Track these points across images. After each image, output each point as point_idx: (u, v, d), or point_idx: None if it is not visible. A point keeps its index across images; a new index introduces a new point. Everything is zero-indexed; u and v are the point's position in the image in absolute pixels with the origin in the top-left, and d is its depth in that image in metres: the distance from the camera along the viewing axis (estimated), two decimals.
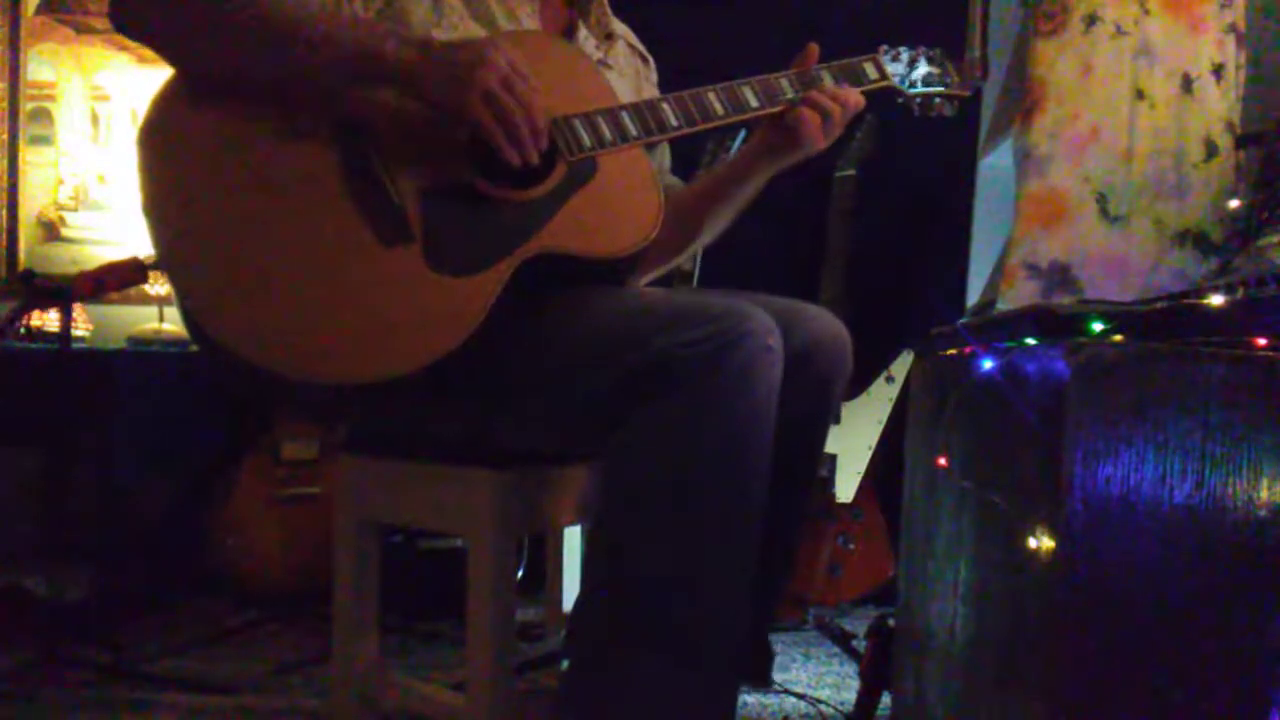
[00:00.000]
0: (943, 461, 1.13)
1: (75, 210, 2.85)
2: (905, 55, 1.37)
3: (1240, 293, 0.95)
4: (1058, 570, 0.82)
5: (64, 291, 1.84)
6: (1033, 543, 0.85)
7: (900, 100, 1.39)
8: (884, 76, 1.35)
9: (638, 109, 1.21)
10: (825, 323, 1.24)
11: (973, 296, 2.38)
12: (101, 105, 2.86)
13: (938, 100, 1.39)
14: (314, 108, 1.08)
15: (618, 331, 1.04)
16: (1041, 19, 1.66)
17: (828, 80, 1.29)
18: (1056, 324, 0.96)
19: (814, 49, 1.30)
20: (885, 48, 1.37)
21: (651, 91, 1.45)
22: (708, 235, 1.43)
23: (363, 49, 1.06)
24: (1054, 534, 0.82)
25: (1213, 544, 0.80)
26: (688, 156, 1.45)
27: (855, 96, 1.28)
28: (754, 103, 1.26)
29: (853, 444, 2.30)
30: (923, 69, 1.37)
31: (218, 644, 2.05)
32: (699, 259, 2.24)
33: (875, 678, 1.43)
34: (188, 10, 1.07)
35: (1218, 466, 0.80)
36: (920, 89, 1.37)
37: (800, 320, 1.21)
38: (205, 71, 1.08)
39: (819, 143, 1.27)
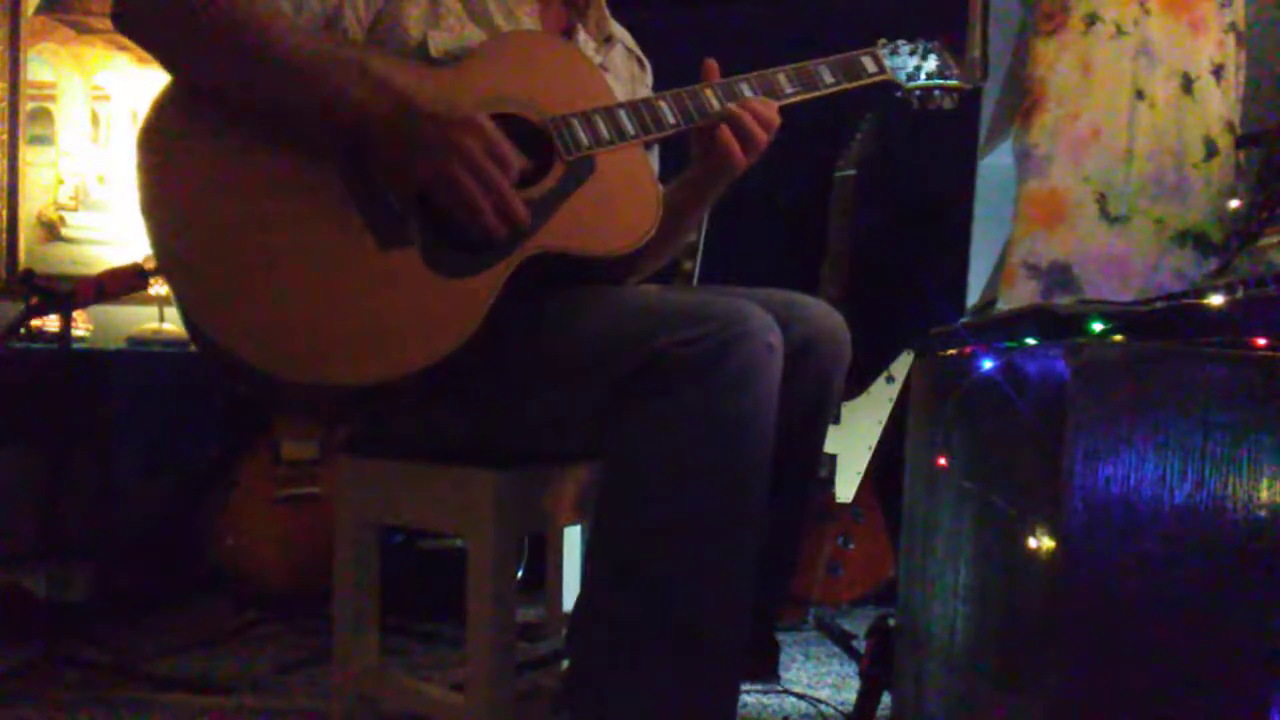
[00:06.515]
0: (943, 461, 1.13)
1: (75, 210, 2.84)
2: (904, 48, 1.37)
3: (1240, 293, 0.94)
4: (1058, 570, 0.82)
5: (65, 299, 1.85)
6: (1033, 543, 0.85)
7: (900, 94, 1.38)
8: (883, 70, 1.35)
9: (635, 107, 1.20)
10: (823, 315, 1.24)
11: (973, 296, 2.38)
12: (101, 105, 2.86)
13: (937, 93, 1.38)
14: (296, 125, 1.07)
15: (618, 331, 1.04)
16: (1041, 19, 1.66)
17: (746, 91, 1.26)
18: (1056, 324, 0.96)
19: (712, 65, 1.27)
20: (884, 41, 1.37)
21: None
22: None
23: (329, 88, 1.04)
24: (1054, 534, 0.82)
25: (1213, 544, 0.80)
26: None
27: (770, 112, 1.24)
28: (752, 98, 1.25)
29: (853, 444, 2.29)
30: (922, 62, 1.37)
31: (218, 644, 2.05)
32: (699, 258, 2.24)
33: (875, 678, 1.43)
34: (178, 22, 1.06)
35: (1218, 466, 0.80)
36: (920, 82, 1.37)
37: (799, 313, 1.21)
38: (196, 84, 1.08)
39: (741, 165, 1.24)
